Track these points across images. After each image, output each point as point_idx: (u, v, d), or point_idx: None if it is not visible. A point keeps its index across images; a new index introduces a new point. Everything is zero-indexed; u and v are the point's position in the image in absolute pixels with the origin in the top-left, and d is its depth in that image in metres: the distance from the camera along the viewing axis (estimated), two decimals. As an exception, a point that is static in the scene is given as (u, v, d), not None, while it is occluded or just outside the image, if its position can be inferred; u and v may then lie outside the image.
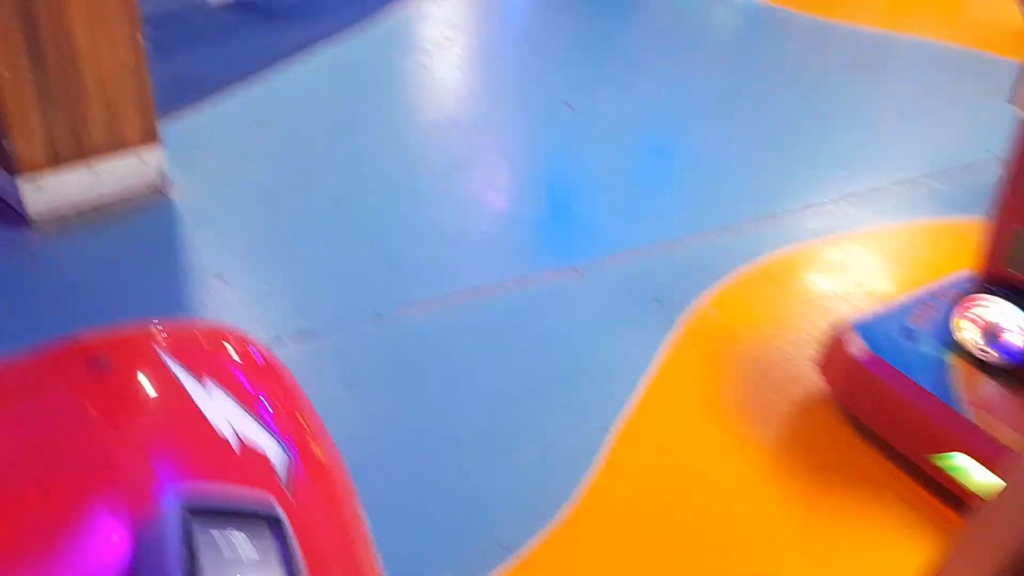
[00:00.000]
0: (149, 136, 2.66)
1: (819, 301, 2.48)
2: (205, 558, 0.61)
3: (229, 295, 2.40)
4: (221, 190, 2.85)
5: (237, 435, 0.78)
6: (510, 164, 3.32)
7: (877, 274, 2.66)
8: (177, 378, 0.81)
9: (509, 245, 2.76)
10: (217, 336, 0.94)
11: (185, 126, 3.14)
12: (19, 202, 2.46)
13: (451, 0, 5.18)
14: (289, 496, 0.74)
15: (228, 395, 0.81)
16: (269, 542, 0.64)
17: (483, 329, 2.33)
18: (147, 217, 2.65)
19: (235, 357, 0.92)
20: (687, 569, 1.71)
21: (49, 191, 2.48)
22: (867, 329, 1.95)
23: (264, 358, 0.93)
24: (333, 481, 0.84)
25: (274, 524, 0.66)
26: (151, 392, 0.85)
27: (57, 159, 2.47)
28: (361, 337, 2.26)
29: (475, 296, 2.43)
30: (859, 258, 2.73)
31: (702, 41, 5.29)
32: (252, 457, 0.78)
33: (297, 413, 0.88)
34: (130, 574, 0.65)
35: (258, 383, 0.90)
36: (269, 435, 0.80)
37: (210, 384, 0.81)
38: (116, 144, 2.58)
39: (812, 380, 2.09)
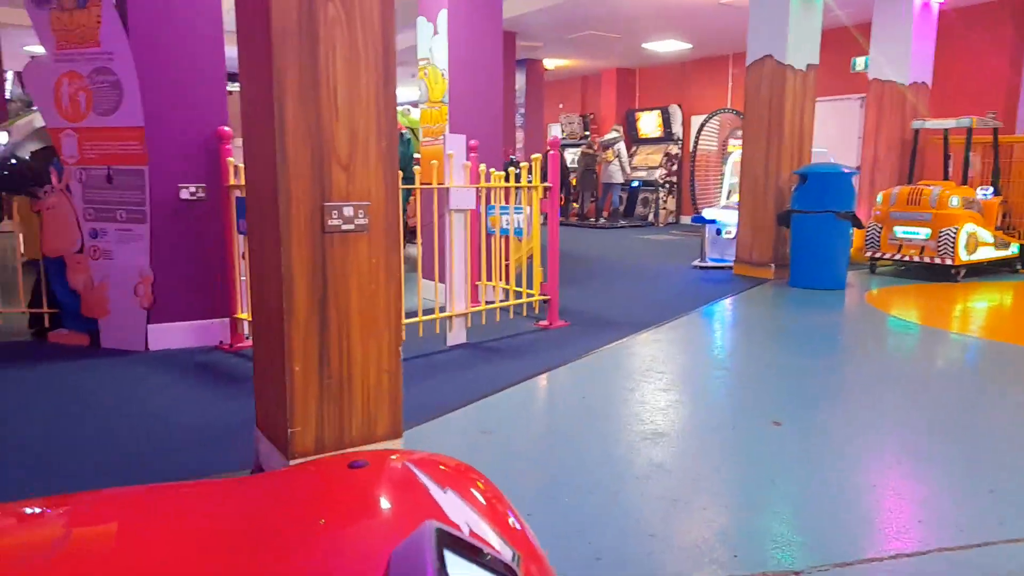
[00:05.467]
0: (395, 433, 3.10)
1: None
2: (454, 569, 0.69)
3: None
4: (445, 483, 3.15)
5: (470, 528, 0.90)
6: (716, 470, 3.33)
7: None
8: (419, 478, 0.98)
9: (717, 544, 2.67)
10: (456, 463, 1.12)
11: (422, 430, 3.63)
12: (285, 481, 2.90)
13: (657, 341, 5.70)
14: None
15: (464, 502, 0.96)
16: None
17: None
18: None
19: (470, 479, 1.08)
20: None
21: (309, 474, 2.92)
22: None
23: (489, 485, 1.08)
24: None
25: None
26: (397, 483, 1.01)
27: (321, 447, 2.94)
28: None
29: (683, 589, 2.36)
30: None
31: (921, 371, 5.21)
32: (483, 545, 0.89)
33: (523, 532, 0.99)
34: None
35: (487, 501, 1.04)
36: (498, 537, 0.91)
37: (449, 491, 0.97)
38: (368, 438, 3.04)
39: None
